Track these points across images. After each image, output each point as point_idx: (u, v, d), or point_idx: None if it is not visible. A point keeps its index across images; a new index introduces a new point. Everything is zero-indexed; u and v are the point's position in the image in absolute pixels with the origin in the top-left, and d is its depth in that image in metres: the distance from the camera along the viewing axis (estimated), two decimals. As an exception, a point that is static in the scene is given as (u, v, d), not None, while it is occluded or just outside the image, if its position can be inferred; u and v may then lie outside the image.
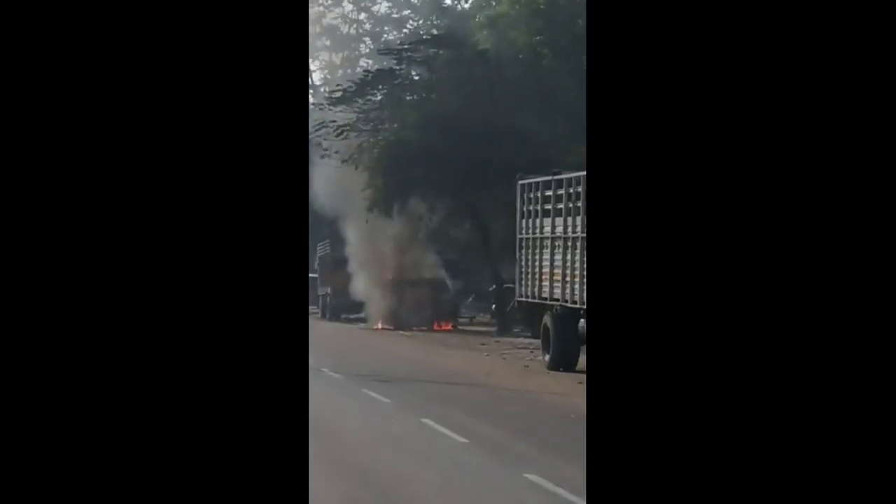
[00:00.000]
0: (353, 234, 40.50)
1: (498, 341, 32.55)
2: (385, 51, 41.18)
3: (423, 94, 37.09)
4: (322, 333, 33.86)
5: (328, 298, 44.78)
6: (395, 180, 35.58)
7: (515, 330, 33.72)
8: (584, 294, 22.90)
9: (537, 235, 25.65)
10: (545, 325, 24.87)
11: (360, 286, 40.66)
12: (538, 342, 26.02)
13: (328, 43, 61.92)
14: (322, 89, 44.64)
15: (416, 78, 37.79)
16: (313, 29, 55.99)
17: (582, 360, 24.05)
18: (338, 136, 35.84)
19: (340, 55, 61.63)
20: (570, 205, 23.85)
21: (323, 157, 36.03)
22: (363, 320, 40.93)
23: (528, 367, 25.33)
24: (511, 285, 30.10)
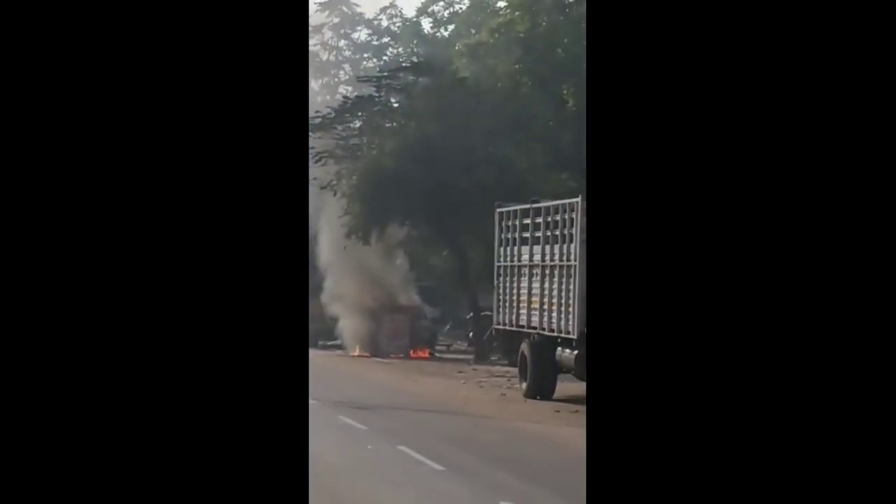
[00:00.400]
0: (330, 261, 40.46)
1: (475, 369, 32.51)
2: (364, 78, 41.21)
3: (402, 122, 37.15)
4: (299, 360, 33.68)
5: (305, 324, 44.63)
6: (373, 207, 35.58)
7: (493, 358, 33.69)
8: (562, 322, 22.92)
9: (515, 263, 25.66)
10: (522, 354, 24.85)
11: (337, 313, 40.60)
12: (515, 370, 26.00)
13: (307, 69, 62.01)
14: (301, 116, 44.76)
15: (395, 105, 37.85)
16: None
17: (559, 389, 24.04)
18: (316, 162, 35.84)
19: (319, 82, 61.65)
20: (548, 233, 23.87)
21: (302, 183, 35.95)
22: (340, 347, 40.84)
23: (504, 395, 25.29)
24: (488, 313, 30.10)
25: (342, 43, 63.71)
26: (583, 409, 21.49)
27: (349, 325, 39.86)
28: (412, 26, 56.56)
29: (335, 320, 40.26)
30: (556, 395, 23.86)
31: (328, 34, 62.62)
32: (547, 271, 23.81)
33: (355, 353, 38.93)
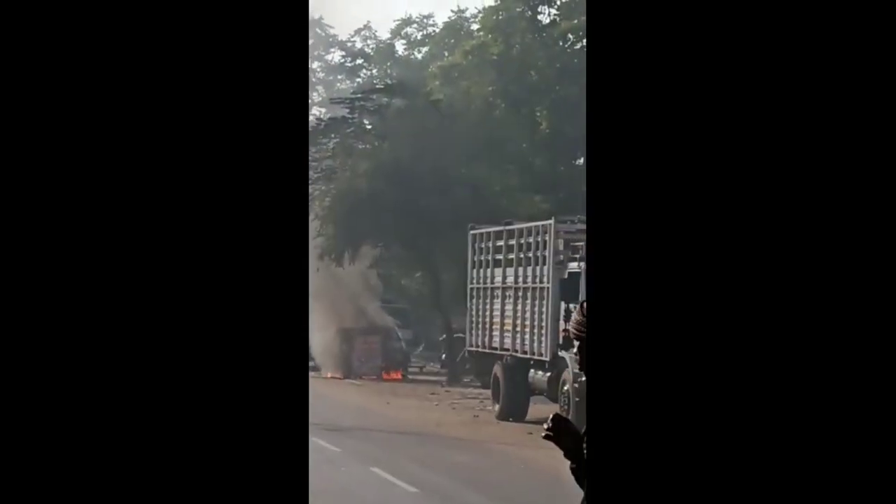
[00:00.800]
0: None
1: (448, 391, 32.54)
2: (338, 99, 41.20)
3: (376, 143, 37.21)
4: (271, 381, 33.59)
5: (277, 346, 44.50)
6: (346, 229, 35.64)
7: (465, 380, 33.71)
8: (534, 344, 22.99)
9: (488, 285, 25.72)
10: (495, 375, 24.91)
11: (310, 334, 40.58)
12: (488, 392, 26.04)
13: (281, 91, 61.97)
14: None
15: (369, 127, 37.90)
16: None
17: (532, 411, 24.08)
18: (290, 183, 35.83)
19: (293, 103, 61.69)
20: (521, 255, 23.95)
21: (274, 204, 35.91)
22: (313, 368, 40.82)
23: (477, 416, 25.33)
24: (461, 335, 30.16)
25: (315, 64, 63.86)
26: (556, 430, 21.51)
27: (321, 346, 39.84)
28: (386, 48, 56.68)
29: (310, 350, 40.25)
30: (528, 417, 23.90)
31: (302, 55, 62.64)
32: (520, 293, 23.88)
33: (327, 375, 38.92)
